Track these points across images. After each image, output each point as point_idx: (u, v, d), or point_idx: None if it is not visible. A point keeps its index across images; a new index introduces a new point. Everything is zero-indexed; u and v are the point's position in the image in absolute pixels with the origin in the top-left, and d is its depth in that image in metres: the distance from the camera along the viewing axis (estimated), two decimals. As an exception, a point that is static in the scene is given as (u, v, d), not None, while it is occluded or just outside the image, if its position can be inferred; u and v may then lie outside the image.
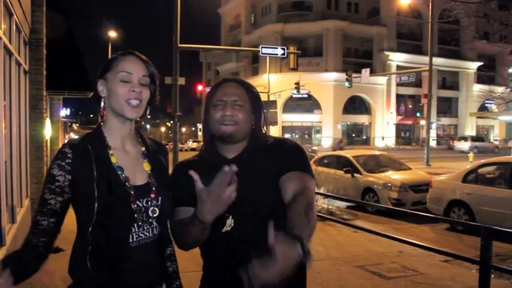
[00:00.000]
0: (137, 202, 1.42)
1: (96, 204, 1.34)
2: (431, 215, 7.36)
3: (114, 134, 1.48)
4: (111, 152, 1.45)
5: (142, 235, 1.43)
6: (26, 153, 6.42)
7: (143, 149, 1.55)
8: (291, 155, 1.60)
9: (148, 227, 1.45)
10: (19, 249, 1.33)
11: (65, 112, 23.29)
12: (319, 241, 6.31)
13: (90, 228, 1.35)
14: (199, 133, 70.04)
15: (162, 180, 1.52)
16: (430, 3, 21.71)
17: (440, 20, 21.50)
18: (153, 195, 1.46)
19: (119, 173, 1.42)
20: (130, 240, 1.41)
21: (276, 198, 1.51)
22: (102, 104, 1.48)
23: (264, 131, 1.69)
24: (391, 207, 8.66)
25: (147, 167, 1.51)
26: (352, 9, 51.05)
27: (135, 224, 1.41)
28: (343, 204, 9.76)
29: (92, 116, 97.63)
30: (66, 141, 1.47)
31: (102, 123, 1.51)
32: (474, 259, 4.28)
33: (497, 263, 4.56)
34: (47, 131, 8.98)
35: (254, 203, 1.50)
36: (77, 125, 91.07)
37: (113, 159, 1.44)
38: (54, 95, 11.73)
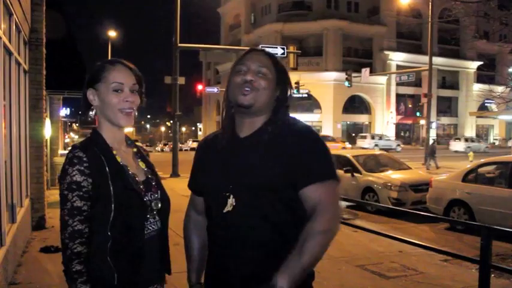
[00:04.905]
0: (146, 196, 1.53)
1: (113, 200, 1.41)
2: (431, 215, 7.36)
3: (110, 138, 1.54)
4: (114, 152, 1.53)
5: (150, 228, 1.53)
6: (25, 153, 6.41)
7: (135, 150, 1.65)
8: (311, 154, 1.49)
9: (153, 220, 1.54)
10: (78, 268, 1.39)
11: (64, 112, 23.29)
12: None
13: (109, 225, 1.41)
14: (199, 133, 70.06)
15: (155, 176, 1.63)
16: (430, 3, 21.69)
17: (440, 20, 21.52)
18: (153, 189, 1.57)
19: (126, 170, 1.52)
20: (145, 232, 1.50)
21: (281, 183, 1.45)
22: (93, 112, 1.54)
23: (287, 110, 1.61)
24: (391, 206, 8.66)
25: (142, 165, 1.62)
26: (352, 9, 50.99)
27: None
28: (343, 203, 9.73)
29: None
30: (72, 145, 1.58)
31: (97, 128, 1.57)
32: (474, 258, 4.27)
33: (497, 263, 4.56)
34: (47, 130, 8.98)
35: (257, 184, 1.46)
36: (77, 124, 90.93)
37: (118, 159, 1.52)
38: (54, 95, 11.72)
